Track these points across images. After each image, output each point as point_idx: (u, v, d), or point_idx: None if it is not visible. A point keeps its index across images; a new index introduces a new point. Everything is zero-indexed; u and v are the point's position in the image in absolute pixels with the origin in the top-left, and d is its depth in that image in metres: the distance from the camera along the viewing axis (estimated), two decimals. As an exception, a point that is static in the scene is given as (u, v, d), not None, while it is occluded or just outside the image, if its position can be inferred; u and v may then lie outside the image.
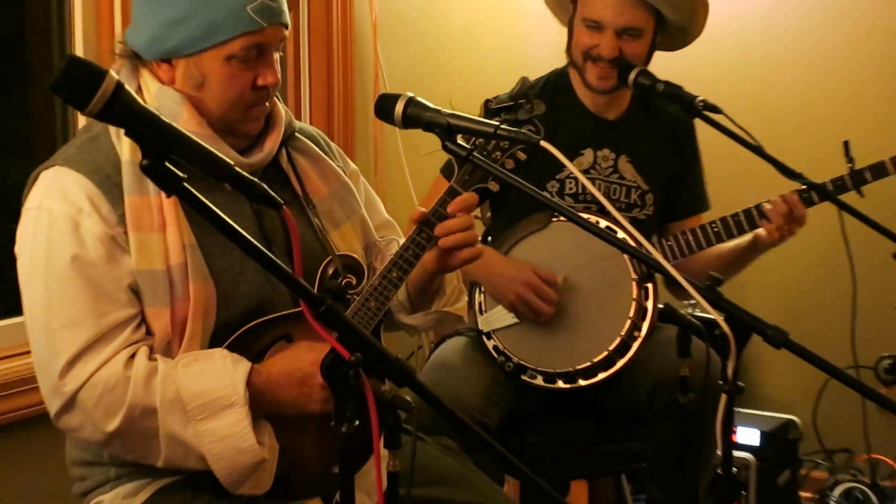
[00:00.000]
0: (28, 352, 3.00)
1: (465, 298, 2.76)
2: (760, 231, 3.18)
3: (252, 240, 1.68)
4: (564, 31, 3.43)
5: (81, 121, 3.50)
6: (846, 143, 3.10)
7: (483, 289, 3.25)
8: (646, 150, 3.40)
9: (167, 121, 1.70)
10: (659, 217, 3.44)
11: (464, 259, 2.42)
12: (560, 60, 3.52)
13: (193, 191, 1.65)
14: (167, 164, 1.64)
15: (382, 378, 1.78)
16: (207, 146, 1.72)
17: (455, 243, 2.39)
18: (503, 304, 3.17)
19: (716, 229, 3.23)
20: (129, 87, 2.15)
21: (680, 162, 3.47)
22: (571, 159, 3.17)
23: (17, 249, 2.35)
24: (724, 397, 2.19)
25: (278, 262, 1.70)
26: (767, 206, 3.14)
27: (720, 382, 2.17)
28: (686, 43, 3.46)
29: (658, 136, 3.43)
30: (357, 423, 1.75)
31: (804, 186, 3.03)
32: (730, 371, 2.14)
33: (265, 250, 1.69)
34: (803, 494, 4.04)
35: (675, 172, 3.45)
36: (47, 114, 4.01)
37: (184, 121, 2.30)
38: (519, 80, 2.45)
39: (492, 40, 4.55)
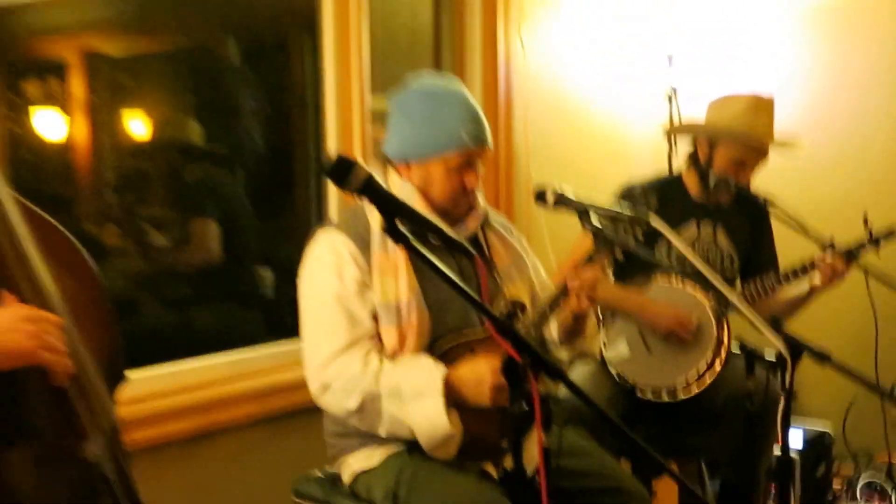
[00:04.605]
0: (291, 366, 3.15)
1: (602, 334, 2.81)
2: (815, 281, 3.17)
3: (454, 277, 1.70)
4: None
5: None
6: (865, 216, 3.09)
7: (634, 321, 3.22)
8: (735, 225, 3.36)
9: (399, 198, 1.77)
10: (742, 276, 3.42)
11: (581, 310, 2.44)
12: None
13: (415, 242, 1.69)
14: (399, 225, 1.69)
15: (548, 375, 1.73)
16: (425, 215, 1.81)
17: (578, 289, 2.40)
18: (659, 331, 3.14)
19: (783, 275, 3.24)
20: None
21: (757, 234, 3.43)
22: (679, 229, 3.22)
23: (299, 283, 2.50)
24: (782, 399, 2.23)
25: (472, 293, 1.73)
26: (819, 261, 3.13)
27: (780, 387, 2.21)
28: None
29: (742, 216, 3.39)
30: (525, 405, 1.74)
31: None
32: (787, 380, 2.18)
33: (463, 285, 1.71)
34: (835, 485, 3.97)
35: (754, 243, 3.42)
36: (308, 203, 4.10)
37: (416, 205, 2.40)
38: (637, 186, 2.51)
39: (604, 141, 4.52)
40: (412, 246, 1.69)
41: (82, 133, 5.35)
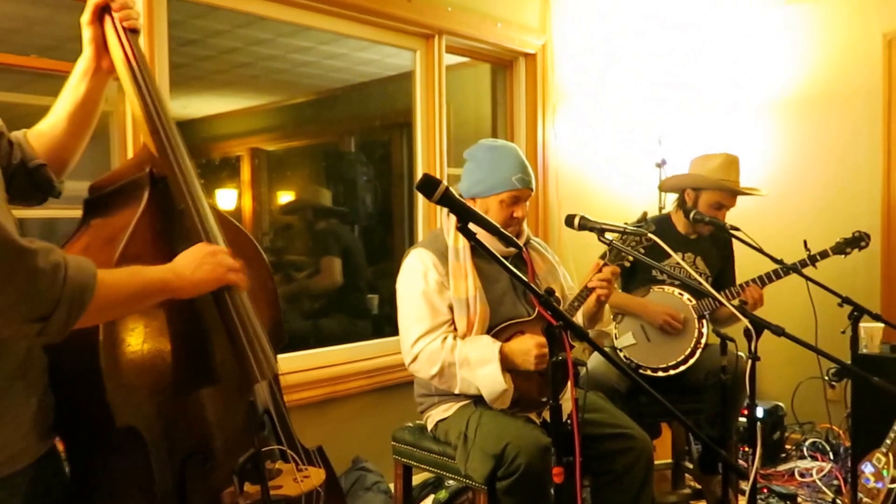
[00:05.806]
0: (390, 354, 3.11)
1: (613, 324, 2.72)
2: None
3: (510, 266, 1.62)
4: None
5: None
6: (805, 241, 2.98)
7: (637, 318, 3.05)
8: (710, 253, 3.23)
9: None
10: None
11: (604, 296, 2.36)
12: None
13: (481, 241, 1.62)
14: (469, 227, 1.62)
15: (576, 336, 1.60)
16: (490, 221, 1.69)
17: (598, 284, 2.36)
18: (654, 325, 2.99)
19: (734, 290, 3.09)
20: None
21: (724, 259, 3.29)
22: (668, 257, 3.08)
23: (397, 286, 2.44)
24: (749, 362, 2.10)
25: (522, 276, 1.64)
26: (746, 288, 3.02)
27: (747, 355, 2.08)
28: None
29: (716, 245, 3.26)
30: (561, 357, 1.56)
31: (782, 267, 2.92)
32: (754, 347, 2.07)
33: (517, 271, 1.63)
34: (787, 446, 3.82)
35: (722, 266, 3.28)
36: (403, 249, 4.10)
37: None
38: (642, 213, 2.47)
39: (611, 199, 4.41)
40: (478, 241, 1.62)
41: (248, 202, 5.47)
